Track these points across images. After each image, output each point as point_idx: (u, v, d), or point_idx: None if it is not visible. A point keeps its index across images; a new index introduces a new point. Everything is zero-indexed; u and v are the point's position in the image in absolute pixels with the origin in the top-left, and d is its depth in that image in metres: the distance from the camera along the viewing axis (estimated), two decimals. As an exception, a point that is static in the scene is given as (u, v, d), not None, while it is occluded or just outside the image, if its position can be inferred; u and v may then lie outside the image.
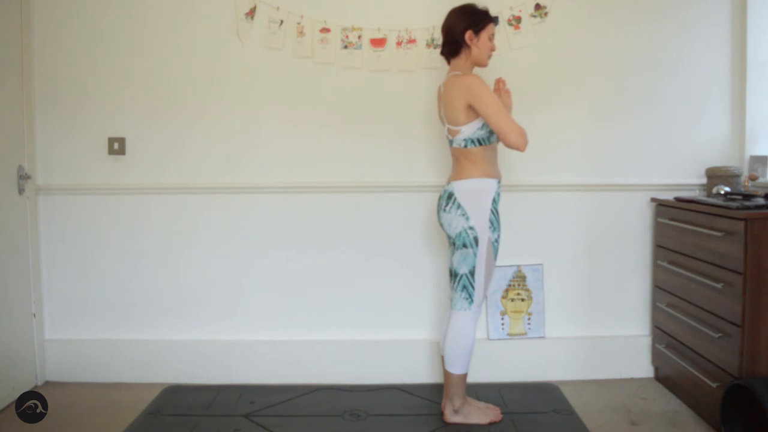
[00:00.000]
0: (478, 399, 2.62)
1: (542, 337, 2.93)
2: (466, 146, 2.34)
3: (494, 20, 2.39)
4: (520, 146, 2.23)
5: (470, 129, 2.31)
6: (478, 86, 2.24)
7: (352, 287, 2.92)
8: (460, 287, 2.38)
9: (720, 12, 2.84)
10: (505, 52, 2.79)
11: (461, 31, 2.33)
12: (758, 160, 2.75)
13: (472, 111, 2.28)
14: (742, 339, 2.18)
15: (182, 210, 2.90)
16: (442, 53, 2.43)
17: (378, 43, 2.81)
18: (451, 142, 2.39)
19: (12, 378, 2.71)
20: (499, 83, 2.48)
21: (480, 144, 2.33)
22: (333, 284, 2.92)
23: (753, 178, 2.64)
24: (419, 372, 2.88)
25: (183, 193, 2.89)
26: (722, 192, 2.53)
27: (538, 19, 2.81)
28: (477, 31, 2.34)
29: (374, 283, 2.92)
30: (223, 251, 2.91)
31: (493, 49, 2.40)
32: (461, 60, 2.38)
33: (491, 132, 2.34)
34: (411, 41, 2.81)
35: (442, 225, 2.41)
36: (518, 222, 2.87)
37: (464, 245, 2.33)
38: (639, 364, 2.92)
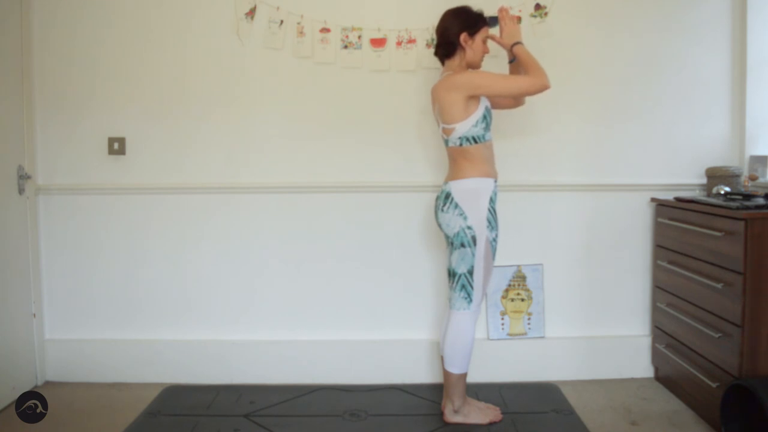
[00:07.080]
0: (478, 399, 2.62)
1: (542, 337, 2.93)
2: (461, 145, 2.34)
3: (489, 23, 2.40)
4: (544, 87, 2.26)
5: (465, 127, 2.31)
6: (472, 74, 2.30)
7: (352, 287, 2.92)
8: (458, 287, 2.38)
9: (720, 12, 2.84)
10: (506, 51, 2.78)
11: (456, 33, 2.35)
12: (758, 160, 2.75)
13: (473, 103, 2.29)
14: (742, 339, 2.18)
15: (182, 210, 2.89)
16: (436, 54, 2.44)
17: (378, 43, 2.81)
18: (446, 141, 2.39)
19: (12, 378, 2.71)
20: (503, 11, 2.44)
21: (475, 142, 2.33)
22: (333, 284, 2.92)
23: (753, 178, 2.64)
24: (419, 372, 2.88)
25: (182, 193, 2.89)
26: (722, 192, 2.53)
27: (538, 19, 2.80)
28: (472, 34, 2.36)
29: (374, 283, 2.91)
30: (222, 251, 2.91)
31: (486, 52, 2.42)
32: (455, 61, 2.39)
33: (486, 130, 2.35)
34: (411, 41, 2.81)
35: (440, 225, 2.41)
36: (518, 222, 2.87)
37: (462, 245, 2.33)
38: (639, 364, 2.92)
